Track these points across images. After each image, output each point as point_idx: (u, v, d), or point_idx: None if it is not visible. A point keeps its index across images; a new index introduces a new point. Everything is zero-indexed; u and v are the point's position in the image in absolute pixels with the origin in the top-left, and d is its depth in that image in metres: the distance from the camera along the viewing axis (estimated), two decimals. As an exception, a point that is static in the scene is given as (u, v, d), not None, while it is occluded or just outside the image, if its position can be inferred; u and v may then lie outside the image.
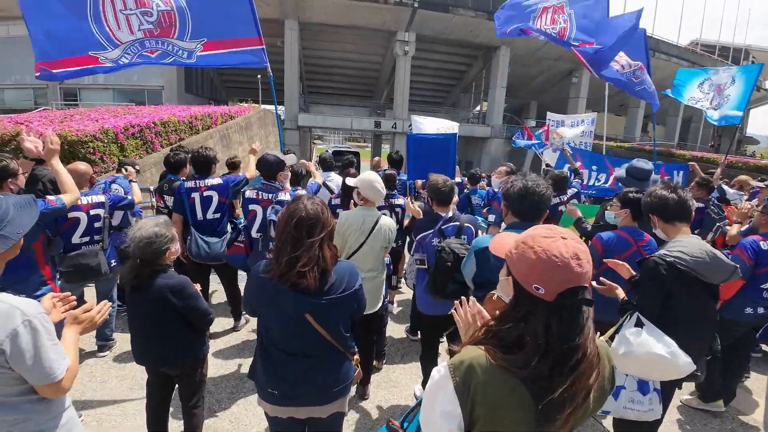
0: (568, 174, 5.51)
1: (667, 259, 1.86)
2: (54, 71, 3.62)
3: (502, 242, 1.08)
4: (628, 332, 1.78)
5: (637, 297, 1.97)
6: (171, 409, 2.38)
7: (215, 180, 3.56)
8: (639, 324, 1.83)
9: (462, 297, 1.31)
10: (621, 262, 2.19)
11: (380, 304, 2.92)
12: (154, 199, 4.59)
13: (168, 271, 2.07)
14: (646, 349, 1.71)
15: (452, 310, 1.31)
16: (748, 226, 3.43)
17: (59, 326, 1.43)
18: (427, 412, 1.02)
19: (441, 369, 0.98)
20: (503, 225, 2.28)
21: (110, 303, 1.55)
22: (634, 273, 2.13)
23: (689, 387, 3.16)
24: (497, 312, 1.06)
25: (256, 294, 1.66)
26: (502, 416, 0.92)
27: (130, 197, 3.60)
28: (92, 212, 3.19)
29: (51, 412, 1.35)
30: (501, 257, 1.07)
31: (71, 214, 3.08)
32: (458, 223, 2.70)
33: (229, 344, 3.78)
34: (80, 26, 3.67)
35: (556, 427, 0.90)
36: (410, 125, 7.31)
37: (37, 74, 3.60)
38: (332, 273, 1.62)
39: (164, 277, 2.02)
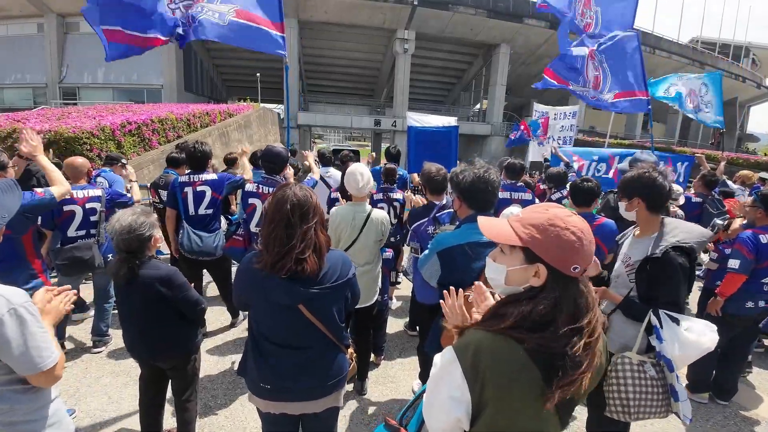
0: (564, 169, 5.47)
1: (686, 249, 1.80)
2: (119, 44, 3.58)
3: (501, 229, 0.98)
4: (679, 329, 1.70)
5: (662, 293, 1.81)
6: (167, 407, 2.35)
7: (210, 175, 3.52)
8: (674, 320, 1.74)
9: (451, 287, 1.27)
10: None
11: (375, 298, 2.89)
12: (150, 195, 4.58)
13: (154, 261, 2.03)
14: (710, 338, 1.67)
15: (440, 300, 1.27)
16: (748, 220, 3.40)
17: None
18: (431, 400, 0.96)
19: (446, 353, 0.93)
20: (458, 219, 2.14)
21: (73, 291, 1.50)
22: (602, 270, 2.03)
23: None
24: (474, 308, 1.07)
25: (246, 285, 1.60)
26: (513, 395, 0.88)
27: (129, 196, 3.56)
28: (88, 206, 3.17)
29: (37, 403, 1.31)
30: (513, 244, 0.96)
31: (67, 208, 3.06)
32: (452, 210, 2.64)
33: (226, 340, 3.74)
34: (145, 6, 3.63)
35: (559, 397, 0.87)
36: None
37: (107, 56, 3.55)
38: (325, 261, 1.56)
39: (151, 267, 1.98)
